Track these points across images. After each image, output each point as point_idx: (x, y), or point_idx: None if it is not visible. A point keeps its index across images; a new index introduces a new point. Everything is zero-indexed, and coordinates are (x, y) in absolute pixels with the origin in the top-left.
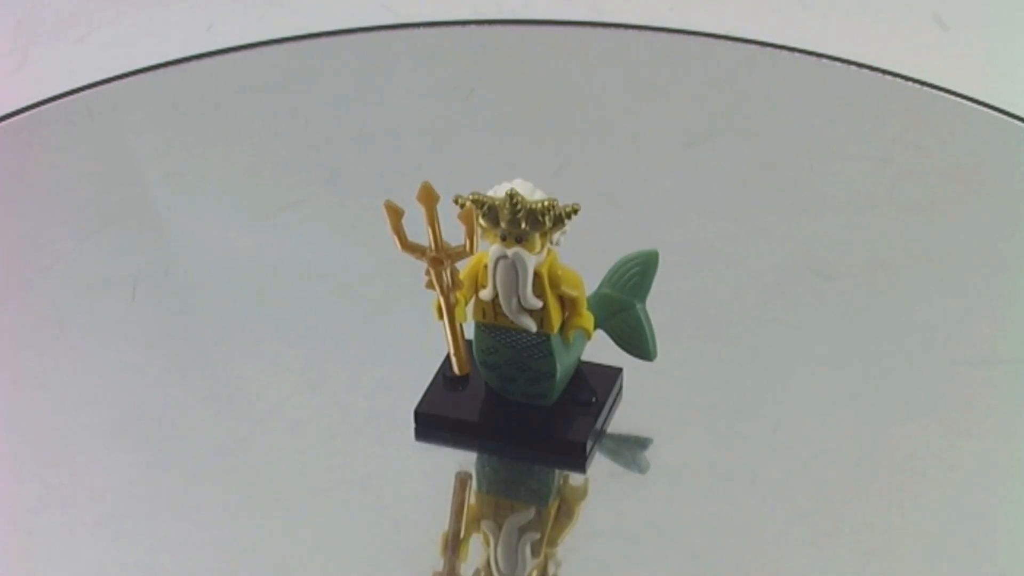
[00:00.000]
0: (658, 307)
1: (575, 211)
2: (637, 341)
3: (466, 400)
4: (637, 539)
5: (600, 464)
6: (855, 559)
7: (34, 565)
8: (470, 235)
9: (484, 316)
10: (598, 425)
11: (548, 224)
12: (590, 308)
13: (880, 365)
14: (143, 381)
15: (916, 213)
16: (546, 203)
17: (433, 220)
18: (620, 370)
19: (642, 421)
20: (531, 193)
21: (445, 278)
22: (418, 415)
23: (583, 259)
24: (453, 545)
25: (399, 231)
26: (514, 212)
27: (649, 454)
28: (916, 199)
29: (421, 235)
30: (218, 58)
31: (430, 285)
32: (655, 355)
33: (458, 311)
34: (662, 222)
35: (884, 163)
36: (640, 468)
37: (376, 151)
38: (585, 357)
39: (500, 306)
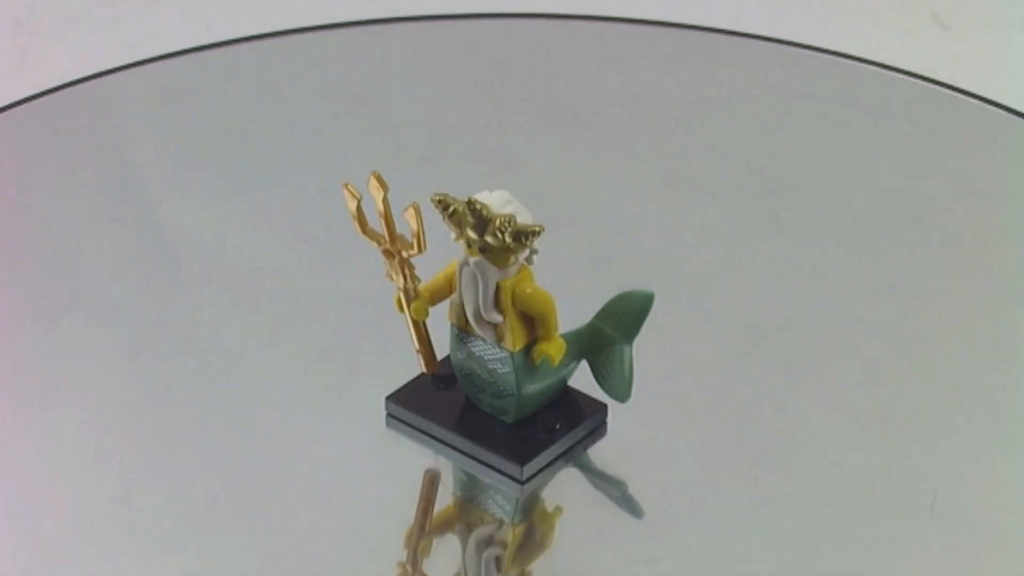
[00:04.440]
0: (657, 312)
1: (535, 232)
2: (614, 380)
3: (439, 400)
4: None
5: (563, 492)
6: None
7: (33, 565)
8: (416, 234)
9: (457, 320)
10: (550, 454)
11: (507, 240)
12: (580, 338)
13: (879, 364)
14: (137, 373)
15: (916, 213)
16: (503, 220)
17: (386, 211)
18: (605, 407)
19: (621, 461)
20: (502, 206)
21: (404, 272)
22: (388, 404)
23: (578, 260)
24: (415, 540)
25: (359, 217)
26: (474, 220)
27: (619, 495)
28: (916, 198)
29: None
30: (215, 51)
31: (388, 276)
32: (628, 398)
33: (416, 307)
34: (660, 220)
35: (884, 162)
36: (615, 500)
37: (375, 147)
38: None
39: None
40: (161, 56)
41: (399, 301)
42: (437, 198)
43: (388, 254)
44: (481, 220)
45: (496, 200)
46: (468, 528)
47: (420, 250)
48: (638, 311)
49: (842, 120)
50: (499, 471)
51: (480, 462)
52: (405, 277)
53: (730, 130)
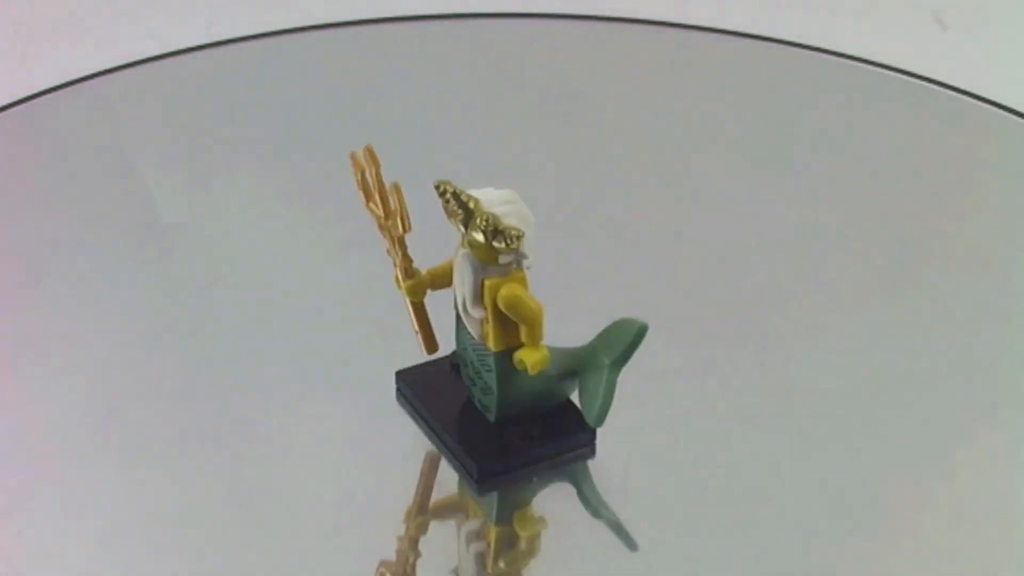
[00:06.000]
0: (656, 313)
1: (513, 235)
2: (591, 402)
3: (441, 385)
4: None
5: (552, 506)
6: None
7: (30, 564)
8: (398, 212)
9: (458, 308)
10: (518, 463)
11: (487, 239)
12: (573, 355)
13: (879, 364)
14: (136, 367)
15: (916, 213)
16: (483, 217)
17: (379, 186)
18: (592, 429)
19: (606, 481)
20: (496, 204)
21: (397, 249)
22: (398, 377)
23: (576, 260)
24: (412, 518)
25: (363, 187)
26: (462, 212)
27: (612, 523)
28: (916, 198)
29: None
30: (215, 51)
31: (387, 252)
32: (601, 423)
33: (409, 286)
34: (659, 221)
35: (884, 161)
36: (608, 525)
37: (375, 147)
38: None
39: None
40: (161, 56)
41: (396, 278)
42: (438, 184)
43: (383, 229)
44: (468, 213)
45: (494, 198)
46: (462, 514)
47: (404, 229)
48: (630, 340)
49: (842, 120)
50: (465, 469)
51: (453, 455)
52: (398, 254)
53: (730, 130)
